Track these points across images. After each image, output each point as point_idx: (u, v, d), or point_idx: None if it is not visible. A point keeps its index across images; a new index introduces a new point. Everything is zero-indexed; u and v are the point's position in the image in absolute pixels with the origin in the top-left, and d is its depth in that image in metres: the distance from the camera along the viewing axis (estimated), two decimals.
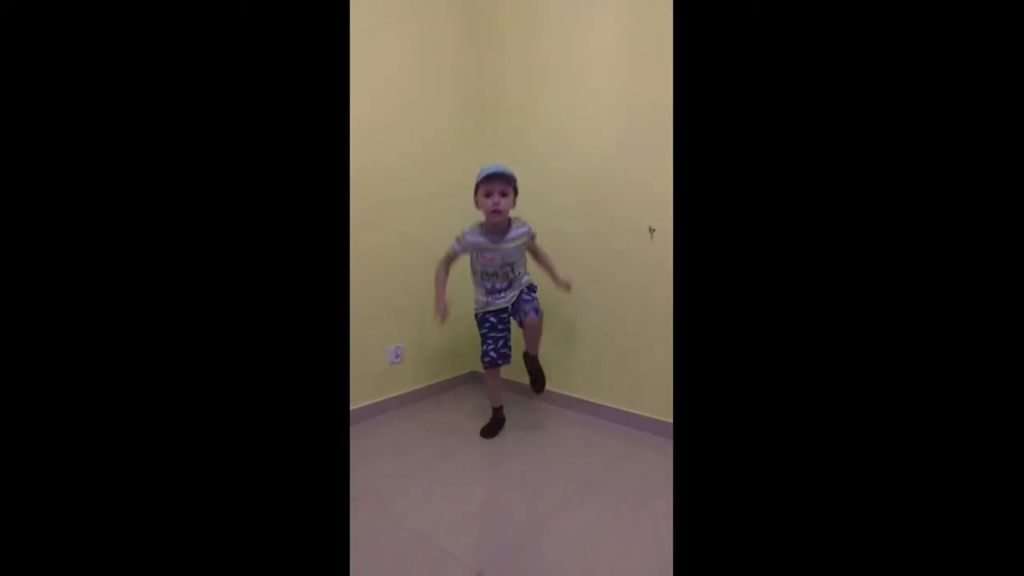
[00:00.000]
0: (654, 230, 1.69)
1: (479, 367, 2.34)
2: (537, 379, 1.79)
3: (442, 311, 1.72)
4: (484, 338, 1.76)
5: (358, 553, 1.11)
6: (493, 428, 1.80)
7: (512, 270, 1.68)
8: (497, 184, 1.58)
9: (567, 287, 1.73)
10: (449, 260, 1.74)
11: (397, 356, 2.01)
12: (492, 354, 1.74)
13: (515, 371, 1.96)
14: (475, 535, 1.19)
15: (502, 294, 1.71)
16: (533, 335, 1.72)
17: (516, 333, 1.78)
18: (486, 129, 2.19)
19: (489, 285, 1.71)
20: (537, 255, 1.76)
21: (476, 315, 1.77)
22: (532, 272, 1.78)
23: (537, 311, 1.69)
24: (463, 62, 2.18)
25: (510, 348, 1.77)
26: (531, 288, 1.74)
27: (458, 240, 1.69)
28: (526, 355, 1.77)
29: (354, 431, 1.78)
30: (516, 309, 1.72)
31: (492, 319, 1.74)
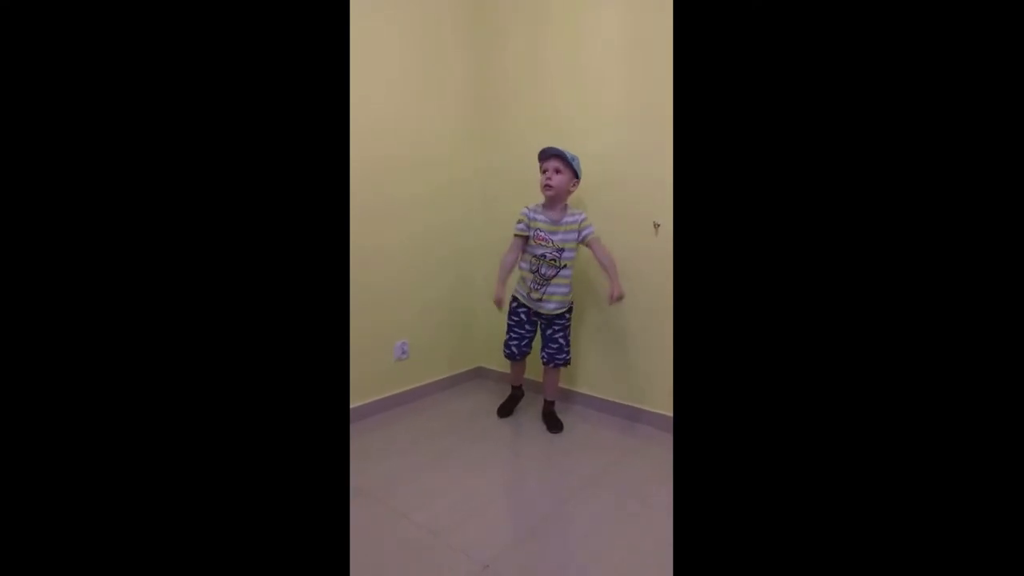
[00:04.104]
0: (659, 225, 1.69)
1: (485, 363, 2.37)
2: (551, 425, 1.79)
3: (497, 300, 1.76)
4: (509, 329, 1.81)
5: (363, 547, 1.13)
6: (508, 405, 1.87)
7: (560, 258, 1.67)
8: (550, 161, 1.64)
9: (616, 299, 1.65)
10: (514, 246, 1.73)
11: (403, 352, 2.02)
12: (513, 349, 1.80)
13: (529, 368, 1.97)
14: (481, 530, 1.20)
15: (548, 284, 1.69)
16: (549, 382, 1.81)
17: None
18: (491, 127, 2.19)
19: (536, 269, 1.69)
20: (598, 255, 1.69)
21: (511, 301, 1.81)
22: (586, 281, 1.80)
23: (567, 362, 1.75)
24: (467, 60, 2.17)
25: (531, 348, 1.81)
26: (568, 311, 1.74)
27: (519, 220, 1.71)
28: (544, 400, 1.85)
29: (360, 427, 1.80)
30: (543, 339, 1.78)
31: (522, 314, 1.77)
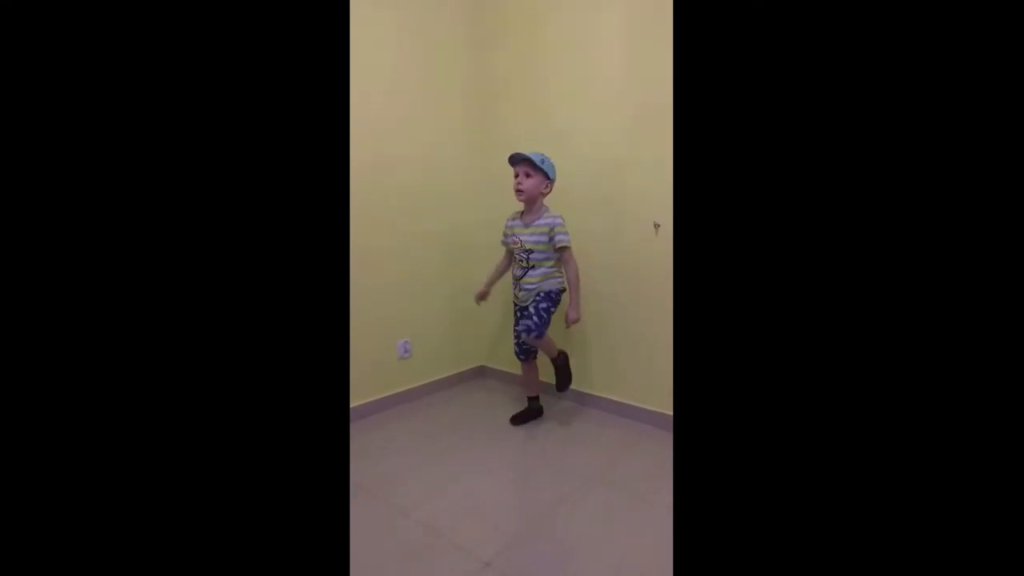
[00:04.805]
0: (659, 225, 1.69)
1: (487, 362, 2.38)
2: (559, 378, 1.81)
3: (478, 294, 1.90)
4: (514, 328, 1.83)
5: (365, 545, 1.14)
6: (523, 416, 1.85)
7: (528, 259, 1.70)
8: (519, 167, 1.68)
9: (572, 322, 1.71)
10: (504, 255, 1.87)
11: (406, 351, 2.04)
12: (515, 347, 1.82)
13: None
14: (483, 527, 1.21)
15: (519, 283, 1.75)
16: (542, 346, 1.78)
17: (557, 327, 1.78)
18: (492, 127, 2.19)
19: (514, 270, 1.79)
20: (564, 266, 1.71)
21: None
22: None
23: (529, 330, 1.65)
24: (468, 62, 2.17)
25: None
26: (545, 296, 1.71)
27: (503, 232, 1.81)
28: (551, 360, 1.84)
29: (363, 426, 1.82)
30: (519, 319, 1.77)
31: (518, 313, 1.81)
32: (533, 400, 1.88)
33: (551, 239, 1.67)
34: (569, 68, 1.88)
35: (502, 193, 2.14)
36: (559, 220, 1.67)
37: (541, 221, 1.68)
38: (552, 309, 1.72)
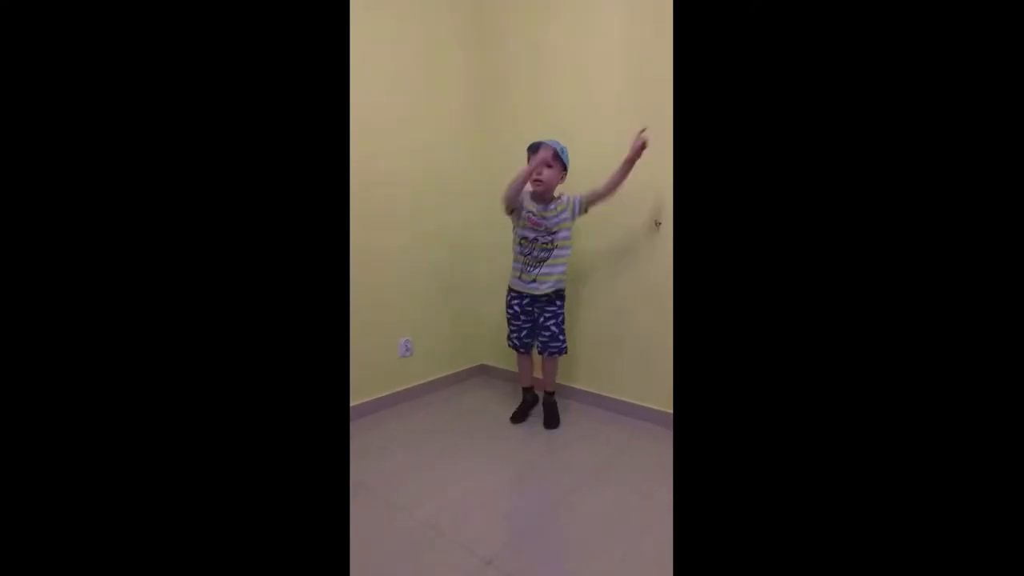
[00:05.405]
0: (660, 223, 1.69)
1: (488, 359, 2.38)
2: (548, 417, 1.80)
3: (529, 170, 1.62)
4: (508, 321, 1.80)
5: (367, 543, 1.14)
6: (521, 412, 1.85)
7: (553, 241, 1.67)
8: (539, 154, 1.63)
9: (640, 147, 1.53)
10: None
11: (407, 349, 2.04)
12: (514, 341, 1.80)
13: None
14: (484, 525, 1.22)
15: (533, 269, 1.69)
16: (546, 371, 1.80)
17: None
18: (492, 126, 2.19)
19: (526, 252, 1.69)
20: (604, 190, 1.62)
21: (507, 292, 1.80)
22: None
23: (561, 351, 1.73)
24: (468, 60, 2.17)
25: (532, 338, 1.79)
26: (561, 302, 1.73)
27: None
28: (544, 392, 1.84)
29: (364, 424, 1.82)
30: (537, 328, 1.75)
31: (516, 307, 1.76)
32: (527, 392, 1.89)
33: (574, 209, 1.65)
34: (569, 67, 1.88)
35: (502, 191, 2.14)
36: (567, 195, 1.66)
37: (559, 200, 1.67)
38: (562, 315, 1.76)
